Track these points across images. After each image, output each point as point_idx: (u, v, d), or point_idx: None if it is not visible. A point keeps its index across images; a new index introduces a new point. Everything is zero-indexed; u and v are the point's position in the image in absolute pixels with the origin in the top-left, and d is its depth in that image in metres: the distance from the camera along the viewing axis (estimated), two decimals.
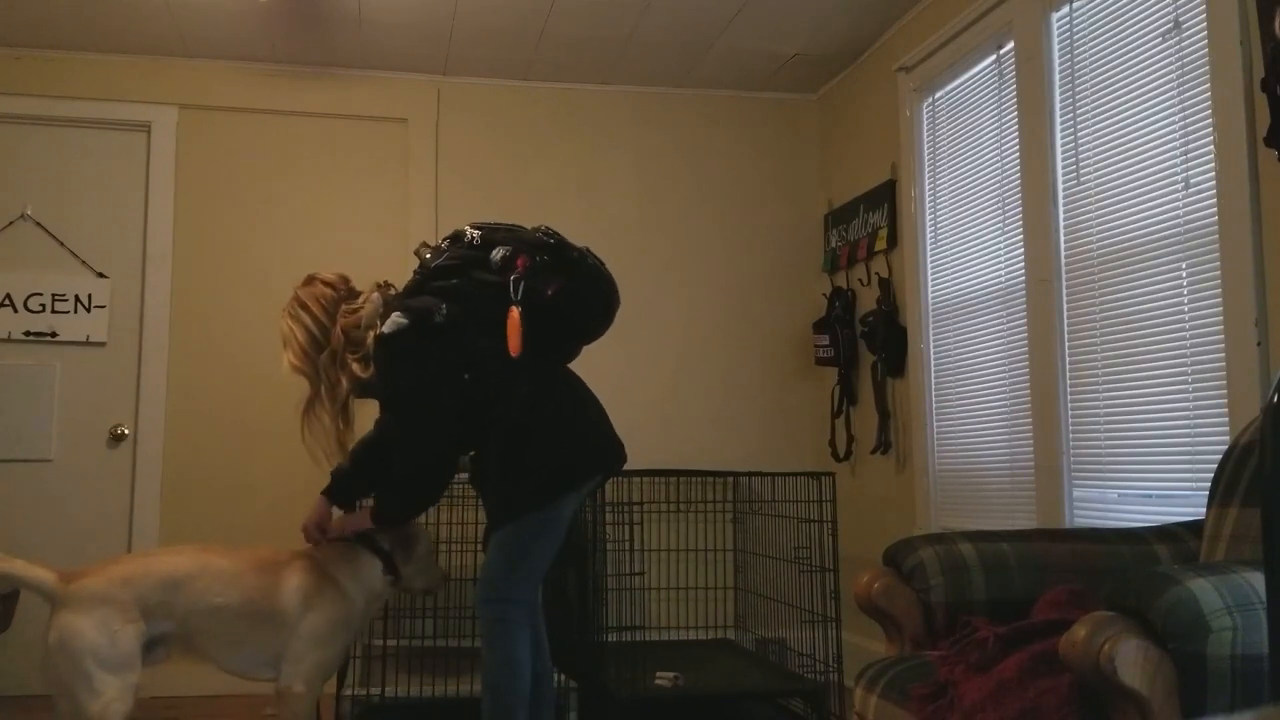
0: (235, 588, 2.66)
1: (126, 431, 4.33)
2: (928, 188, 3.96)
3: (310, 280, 2.81)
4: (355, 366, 2.66)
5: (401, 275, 4.50)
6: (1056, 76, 3.20)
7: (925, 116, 3.99)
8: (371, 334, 2.65)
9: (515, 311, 2.53)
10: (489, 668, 2.61)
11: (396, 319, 2.58)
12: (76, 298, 4.32)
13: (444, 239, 2.73)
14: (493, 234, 2.66)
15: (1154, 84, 2.79)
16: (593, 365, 4.62)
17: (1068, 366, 3.13)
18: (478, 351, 2.60)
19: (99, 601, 2.54)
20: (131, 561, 2.70)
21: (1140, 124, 2.84)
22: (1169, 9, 2.74)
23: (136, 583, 2.60)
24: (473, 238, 2.66)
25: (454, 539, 3.98)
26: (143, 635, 2.59)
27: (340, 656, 2.82)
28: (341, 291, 2.77)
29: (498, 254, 2.60)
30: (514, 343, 2.53)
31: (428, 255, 2.69)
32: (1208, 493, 2.20)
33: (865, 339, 4.24)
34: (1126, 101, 2.89)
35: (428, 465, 2.66)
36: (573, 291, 2.62)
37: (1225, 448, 2.24)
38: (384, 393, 2.70)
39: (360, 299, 2.74)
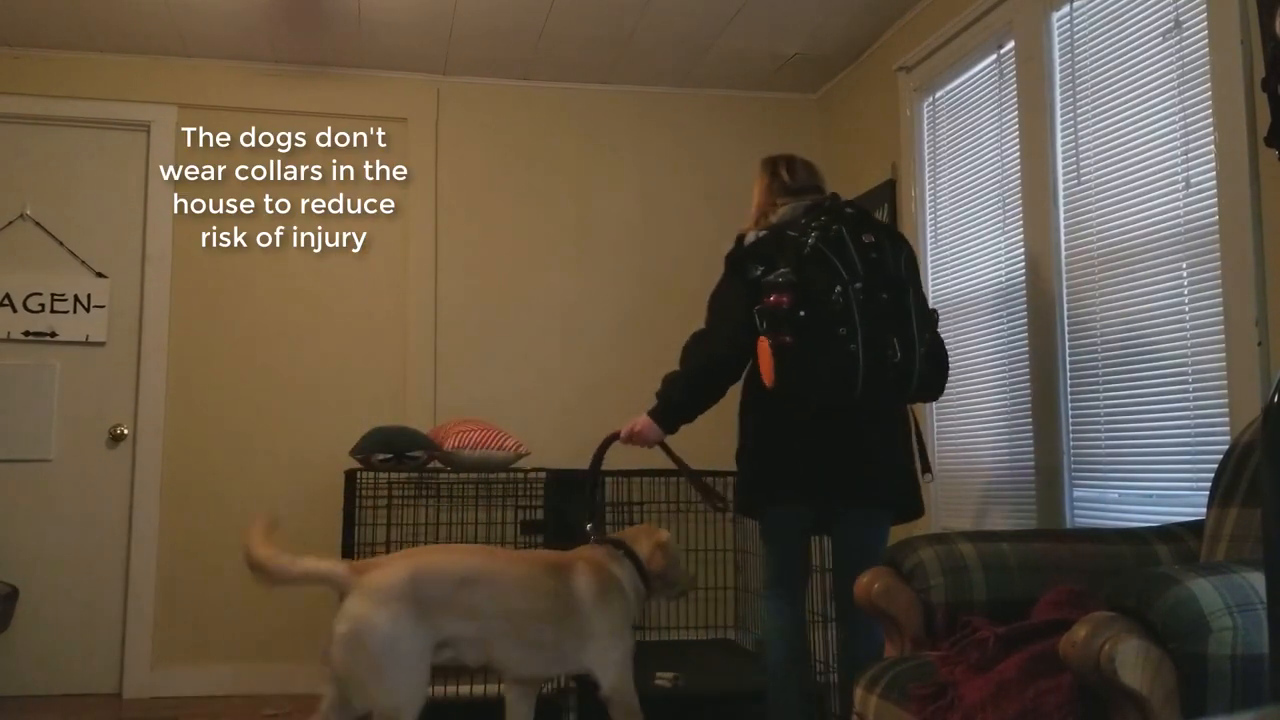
0: (532, 591, 2.66)
1: (126, 431, 4.33)
2: (928, 187, 3.96)
3: (770, 162, 3.02)
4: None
5: (402, 277, 4.53)
6: (1057, 76, 3.20)
7: (925, 116, 3.99)
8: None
9: (764, 343, 2.57)
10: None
11: (755, 234, 2.81)
12: (76, 298, 4.32)
13: (824, 217, 2.71)
14: (823, 251, 2.59)
15: (1154, 84, 2.79)
16: (592, 365, 4.63)
17: (1068, 366, 3.13)
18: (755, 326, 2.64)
19: (392, 597, 2.48)
20: (420, 558, 2.67)
21: (1140, 124, 2.83)
22: (1169, 9, 2.73)
23: (426, 581, 2.55)
24: (809, 243, 2.59)
25: (454, 539, 3.98)
26: (434, 634, 2.54)
27: (633, 648, 2.82)
28: (775, 185, 2.95)
29: (778, 276, 2.57)
30: (765, 372, 2.59)
31: (802, 220, 2.73)
32: (1208, 493, 2.19)
33: None
34: (1126, 101, 2.89)
35: (706, 364, 2.81)
36: (802, 357, 2.53)
37: (1225, 448, 2.24)
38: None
39: (791, 201, 2.86)
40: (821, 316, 2.51)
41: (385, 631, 2.45)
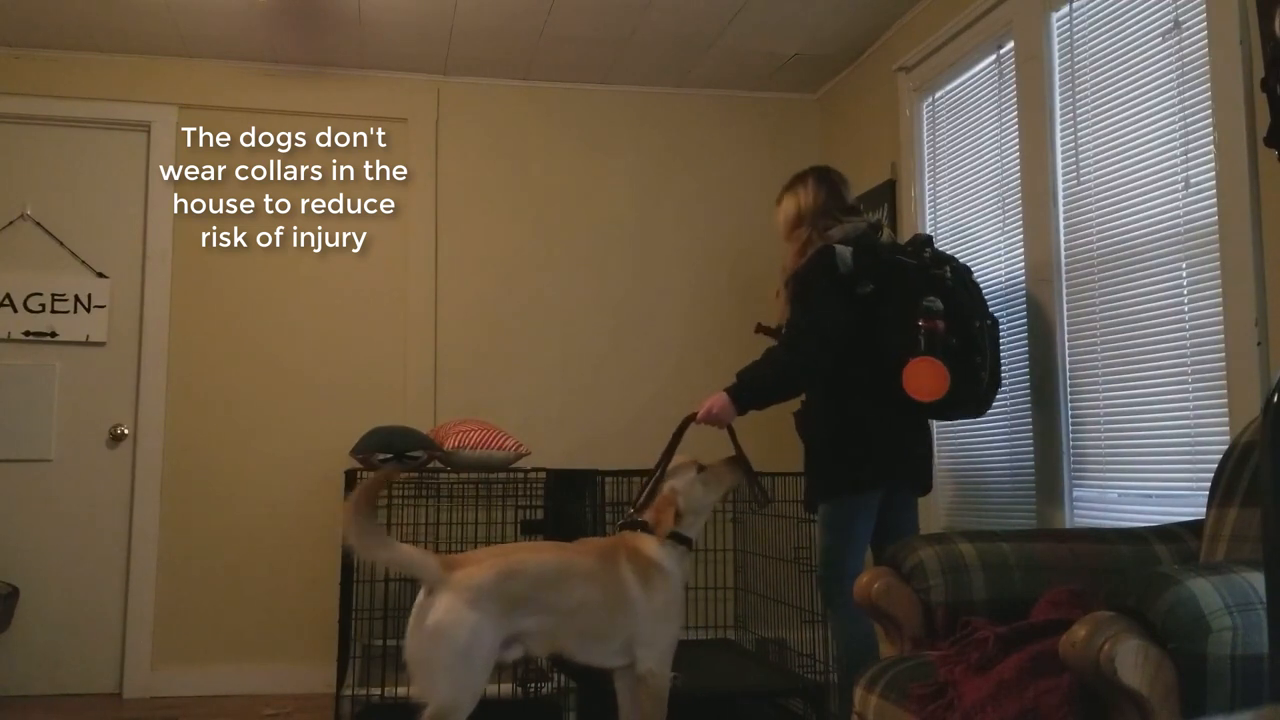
0: (596, 583, 2.70)
1: (126, 431, 4.33)
2: (928, 187, 3.96)
3: (828, 175, 3.22)
4: (795, 249, 3.11)
5: (402, 277, 4.53)
6: (1056, 76, 3.20)
7: (925, 116, 3.99)
8: (824, 243, 3.03)
9: (924, 363, 2.82)
10: (832, 633, 3.09)
11: (844, 250, 2.96)
12: (76, 298, 4.32)
13: (926, 243, 3.07)
14: (956, 286, 2.93)
15: (1154, 84, 2.79)
16: (592, 365, 4.63)
17: (1068, 366, 3.13)
18: (865, 339, 2.92)
19: (483, 597, 2.52)
20: (504, 557, 2.68)
21: (1140, 124, 2.83)
22: (1169, 9, 2.74)
23: (513, 581, 2.59)
24: (948, 276, 2.93)
25: (454, 539, 3.98)
26: (510, 632, 2.59)
27: (680, 632, 2.85)
28: (833, 200, 3.14)
29: (932, 303, 2.86)
30: (931, 386, 2.83)
31: (908, 246, 3.04)
32: (1208, 493, 2.19)
33: None
34: (1126, 101, 2.89)
35: (790, 361, 2.98)
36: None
37: (1225, 448, 2.24)
38: (795, 286, 3.03)
39: (854, 220, 3.09)
40: (965, 345, 2.88)
41: (471, 632, 2.50)
